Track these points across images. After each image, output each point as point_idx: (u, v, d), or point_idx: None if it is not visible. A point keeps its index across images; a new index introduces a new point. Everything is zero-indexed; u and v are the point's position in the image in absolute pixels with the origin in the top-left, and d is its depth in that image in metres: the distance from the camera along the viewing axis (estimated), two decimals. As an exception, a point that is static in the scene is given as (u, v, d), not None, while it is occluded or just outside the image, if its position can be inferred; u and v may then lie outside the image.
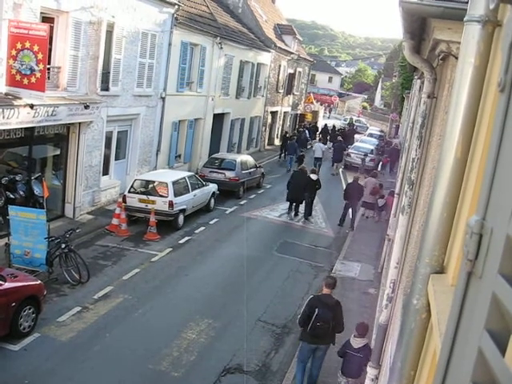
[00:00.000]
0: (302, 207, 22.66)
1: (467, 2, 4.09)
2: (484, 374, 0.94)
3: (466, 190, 2.38)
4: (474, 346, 0.97)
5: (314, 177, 22.24)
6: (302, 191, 21.76)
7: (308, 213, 22.43)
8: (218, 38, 27.49)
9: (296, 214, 22.57)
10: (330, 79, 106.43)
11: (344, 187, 22.86)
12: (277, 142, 42.81)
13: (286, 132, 40.29)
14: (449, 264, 2.42)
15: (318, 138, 45.06)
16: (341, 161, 34.58)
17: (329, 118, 69.91)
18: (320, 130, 48.17)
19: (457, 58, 4.73)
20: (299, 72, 46.33)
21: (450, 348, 1.15)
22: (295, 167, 29.20)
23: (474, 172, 2.29)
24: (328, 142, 40.39)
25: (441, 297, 2.22)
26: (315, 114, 54.85)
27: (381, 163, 35.61)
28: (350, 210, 21.95)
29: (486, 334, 0.94)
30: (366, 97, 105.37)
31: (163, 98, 23.00)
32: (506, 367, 0.86)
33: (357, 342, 9.43)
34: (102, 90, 18.34)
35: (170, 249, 16.86)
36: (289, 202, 22.87)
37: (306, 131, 41.56)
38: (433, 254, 2.42)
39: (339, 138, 38.26)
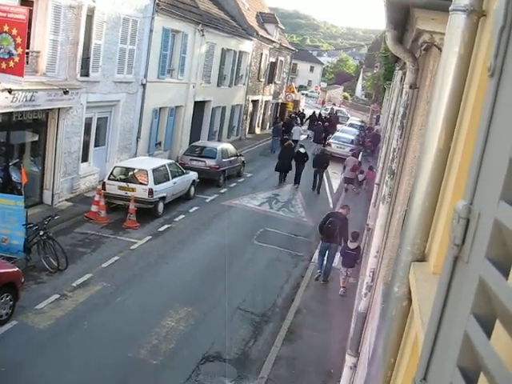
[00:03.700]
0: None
1: (451, -7, 4.10)
2: (470, 357, 0.95)
3: (447, 179, 2.40)
4: (460, 331, 0.98)
5: (302, 150, 26.75)
6: (288, 162, 25.99)
7: (297, 181, 26.05)
8: (200, 25, 27.29)
9: (284, 181, 26.42)
10: (312, 69, 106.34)
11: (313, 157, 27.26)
12: (258, 130, 42.93)
13: (277, 117, 43.38)
14: (430, 252, 2.44)
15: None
16: (320, 142, 36.34)
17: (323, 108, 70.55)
18: (308, 116, 50.74)
19: (439, 49, 4.75)
20: (281, 61, 46.25)
21: (436, 333, 1.16)
22: (279, 148, 31.36)
23: (456, 161, 2.30)
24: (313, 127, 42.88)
25: (422, 284, 2.24)
26: (296, 103, 54.95)
27: (361, 153, 35.85)
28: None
29: (472, 318, 0.95)
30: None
31: (144, 85, 22.82)
32: (491, 350, 0.86)
33: (352, 245, 14.23)
34: (81, 75, 18.13)
35: (150, 237, 16.80)
36: (278, 172, 26.43)
37: (297, 117, 45.80)
38: (414, 242, 2.43)
39: (325, 123, 43.03)
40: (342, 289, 14.80)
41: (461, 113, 2.33)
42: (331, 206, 23.98)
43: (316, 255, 16.73)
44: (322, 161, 26.19)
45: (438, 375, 1.14)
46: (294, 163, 26.26)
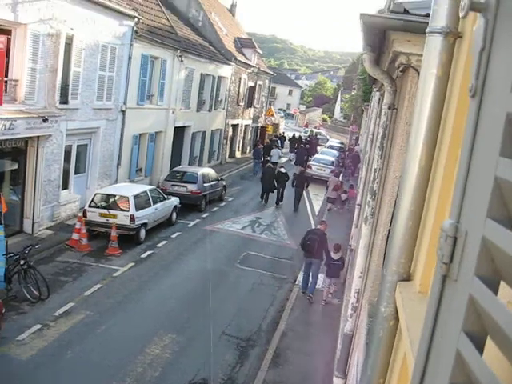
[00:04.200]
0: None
1: (426, 15, 4.19)
2: (463, 374, 0.95)
3: (430, 197, 2.42)
4: (452, 348, 0.99)
5: (283, 170, 28.23)
6: (271, 182, 27.09)
7: (280, 199, 27.33)
8: (179, 51, 27.46)
9: (266, 202, 27.38)
10: (290, 92, 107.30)
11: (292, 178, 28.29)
12: (238, 154, 43.10)
13: (258, 141, 43.92)
14: (415, 271, 2.45)
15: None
16: (301, 164, 36.40)
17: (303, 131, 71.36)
18: (289, 139, 52.64)
19: (416, 70, 4.83)
20: (259, 85, 46.61)
21: (427, 352, 1.17)
22: (261, 170, 32.40)
23: (438, 180, 2.33)
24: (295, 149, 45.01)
25: (408, 303, 2.24)
26: (276, 126, 55.36)
27: (341, 175, 36.13)
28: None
29: (463, 336, 0.95)
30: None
31: (123, 111, 22.81)
32: (484, 366, 0.87)
33: (335, 256, 15.26)
34: (60, 103, 18.08)
35: (132, 263, 16.66)
36: (261, 192, 27.59)
37: (278, 140, 46.76)
38: (399, 262, 2.44)
39: (306, 145, 44.66)
40: (323, 302, 15.55)
41: (441, 132, 2.36)
42: (313, 227, 24.02)
43: (300, 277, 16.74)
44: (302, 180, 27.42)
45: (431, 394, 1.14)
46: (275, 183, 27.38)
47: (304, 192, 28.22)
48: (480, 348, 0.92)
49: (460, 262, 1.06)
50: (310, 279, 15.84)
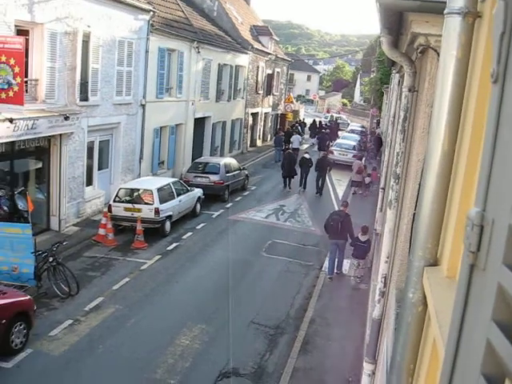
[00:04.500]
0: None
1: (443, -5, 4.12)
2: (494, 364, 0.94)
3: (455, 181, 2.39)
4: (482, 338, 0.98)
5: (307, 156, 28.41)
6: (291, 168, 27.42)
7: (303, 185, 27.48)
8: (195, 43, 27.45)
9: (289, 188, 27.54)
10: (309, 78, 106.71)
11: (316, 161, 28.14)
12: (259, 143, 43.08)
13: (279, 128, 44.52)
14: (442, 256, 2.43)
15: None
16: (324, 150, 36.29)
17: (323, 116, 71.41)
18: (309, 125, 52.97)
19: (435, 51, 4.76)
20: (277, 72, 46.41)
21: (457, 342, 1.15)
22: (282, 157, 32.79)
23: (462, 163, 2.29)
24: (316, 136, 45.50)
25: (436, 289, 2.22)
26: (296, 113, 55.15)
27: (364, 159, 35.95)
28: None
29: (493, 325, 0.94)
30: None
31: (143, 105, 22.91)
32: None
33: (362, 237, 15.57)
34: (81, 100, 18.23)
35: (159, 256, 16.79)
36: (283, 178, 27.89)
37: (299, 126, 47.36)
38: (426, 247, 2.42)
39: (327, 130, 45.16)
40: (357, 279, 16.02)
41: (463, 114, 2.33)
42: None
43: (326, 263, 16.72)
44: (324, 165, 27.53)
45: None
46: (298, 169, 27.65)
47: (327, 177, 28.23)
48: (511, 337, 0.91)
49: (487, 251, 1.04)
50: (337, 259, 16.13)
